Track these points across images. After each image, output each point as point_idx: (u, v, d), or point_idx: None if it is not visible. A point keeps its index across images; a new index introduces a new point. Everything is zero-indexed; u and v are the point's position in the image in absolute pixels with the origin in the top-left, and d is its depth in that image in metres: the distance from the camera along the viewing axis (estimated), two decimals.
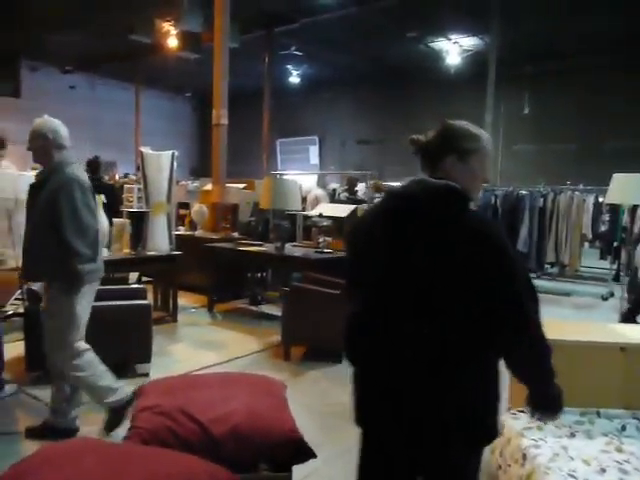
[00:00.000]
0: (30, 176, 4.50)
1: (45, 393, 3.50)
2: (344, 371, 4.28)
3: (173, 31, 12.34)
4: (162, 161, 5.68)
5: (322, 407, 3.61)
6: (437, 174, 1.55)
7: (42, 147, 2.90)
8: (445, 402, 1.45)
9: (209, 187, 7.53)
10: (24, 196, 4.20)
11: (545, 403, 1.56)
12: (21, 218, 4.35)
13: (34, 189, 2.95)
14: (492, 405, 1.52)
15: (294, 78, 17.13)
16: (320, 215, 5.85)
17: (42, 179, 2.92)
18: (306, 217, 6.67)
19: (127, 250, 5.74)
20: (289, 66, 16.26)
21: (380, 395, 1.53)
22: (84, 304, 2.90)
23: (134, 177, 11.85)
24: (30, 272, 3.03)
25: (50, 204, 2.75)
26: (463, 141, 1.55)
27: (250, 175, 13.57)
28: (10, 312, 4.90)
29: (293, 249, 5.74)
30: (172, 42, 12.43)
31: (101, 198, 4.83)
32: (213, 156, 7.09)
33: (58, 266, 2.74)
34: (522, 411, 2.70)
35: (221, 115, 6.97)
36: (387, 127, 17.26)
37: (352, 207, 6.13)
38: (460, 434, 1.47)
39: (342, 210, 6.10)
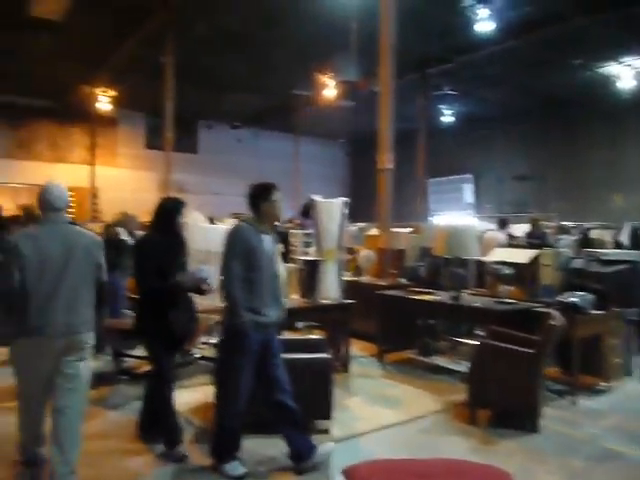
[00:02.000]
0: (221, 228, 4.80)
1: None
2: (542, 443, 3.80)
3: (330, 82, 12.92)
4: (333, 208, 5.72)
5: None
6: None
7: None
8: None
9: (374, 232, 7.47)
10: (215, 248, 4.45)
11: None
12: (213, 268, 4.62)
13: None
14: None
15: (447, 117, 16.85)
16: (501, 262, 5.41)
17: None
18: (480, 263, 6.23)
19: (295, 296, 5.83)
20: (442, 106, 16.06)
21: None
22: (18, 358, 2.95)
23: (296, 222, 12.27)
24: None
25: None
26: None
27: (402, 217, 13.37)
28: (197, 355, 5.18)
29: (470, 298, 5.34)
30: (330, 93, 12.99)
31: (280, 247, 4.96)
32: (379, 201, 7.03)
33: None
34: None
35: (386, 160, 6.92)
36: (548, 162, 16.11)
37: (533, 252, 5.58)
38: None
39: (522, 256, 5.58)
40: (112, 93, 14.46)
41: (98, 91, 14.25)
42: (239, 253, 3.07)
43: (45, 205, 2.96)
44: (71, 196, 12.90)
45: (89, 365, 3.02)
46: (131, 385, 4.86)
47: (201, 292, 3.54)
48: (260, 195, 3.25)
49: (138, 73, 12.50)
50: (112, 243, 5.84)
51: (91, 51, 11.43)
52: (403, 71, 12.00)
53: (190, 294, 3.55)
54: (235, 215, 14.70)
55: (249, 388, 3.17)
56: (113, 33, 10.42)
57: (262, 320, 3.12)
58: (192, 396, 4.54)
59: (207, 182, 18.02)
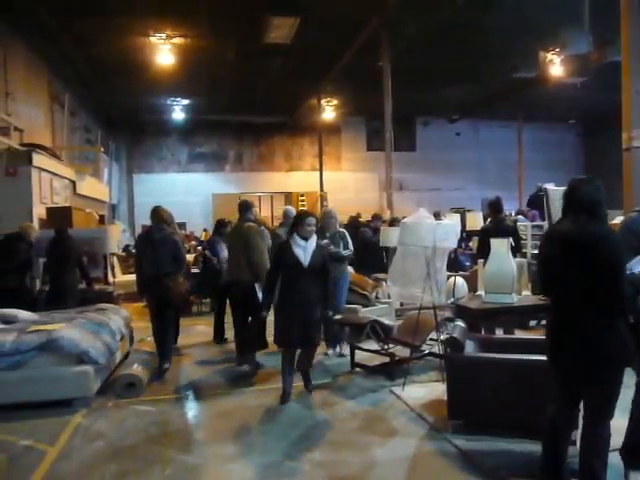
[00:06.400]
0: (448, 224, 4.76)
1: (471, 444, 3.46)
2: None
3: (557, 59, 11.81)
4: None
5: None
6: None
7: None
8: None
9: (619, 220, 6.56)
10: (442, 244, 4.43)
11: None
12: (439, 263, 4.61)
13: None
14: None
15: None
16: None
17: None
18: None
19: (526, 292, 5.47)
20: None
21: None
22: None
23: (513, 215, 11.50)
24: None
25: None
26: None
27: None
28: (426, 351, 5.22)
29: None
30: (556, 70, 11.89)
31: (509, 241, 4.70)
32: (625, 184, 6.18)
33: None
34: None
35: (633, 137, 6.03)
36: None
37: None
38: None
39: None
40: (335, 102, 15.52)
41: (323, 102, 15.44)
42: None
43: (285, 215, 6.19)
44: (302, 200, 14.23)
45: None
46: (365, 377, 5.12)
47: None
48: None
49: (357, 80, 13.18)
50: None
51: (315, 67, 12.45)
52: None
53: None
54: (455, 210, 14.45)
55: None
56: (333, 47, 11.19)
57: None
58: (422, 391, 4.59)
59: (425, 178, 18.11)
